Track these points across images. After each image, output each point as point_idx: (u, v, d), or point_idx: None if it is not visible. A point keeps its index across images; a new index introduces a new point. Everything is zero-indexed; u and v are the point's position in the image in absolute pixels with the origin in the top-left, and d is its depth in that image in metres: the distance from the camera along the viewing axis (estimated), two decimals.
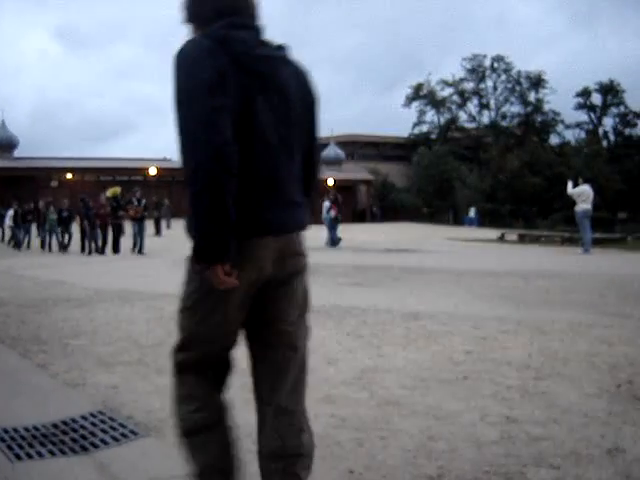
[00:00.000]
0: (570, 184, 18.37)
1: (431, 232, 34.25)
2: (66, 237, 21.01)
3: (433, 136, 62.69)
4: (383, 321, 6.84)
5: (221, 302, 2.24)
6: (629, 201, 52.19)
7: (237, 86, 2.16)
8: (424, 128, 64.10)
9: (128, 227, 19.91)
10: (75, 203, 21.87)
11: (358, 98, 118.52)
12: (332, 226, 21.73)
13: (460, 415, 3.85)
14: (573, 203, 18.53)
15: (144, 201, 19.97)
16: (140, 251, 18.37)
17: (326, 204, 22.30)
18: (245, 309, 2.31)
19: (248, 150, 2.19)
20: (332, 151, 56.61)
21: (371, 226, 43.15)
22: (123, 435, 3.55)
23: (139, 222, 18.91)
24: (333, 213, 21.75)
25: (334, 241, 21.54)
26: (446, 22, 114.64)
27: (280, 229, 2.30)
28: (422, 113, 63.76)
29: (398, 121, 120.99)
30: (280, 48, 2.37)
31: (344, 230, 25.74)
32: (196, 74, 2.11)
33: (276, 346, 2.39)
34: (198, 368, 2.36)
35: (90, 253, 18.95)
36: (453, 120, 63.90)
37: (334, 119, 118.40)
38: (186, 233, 2.19)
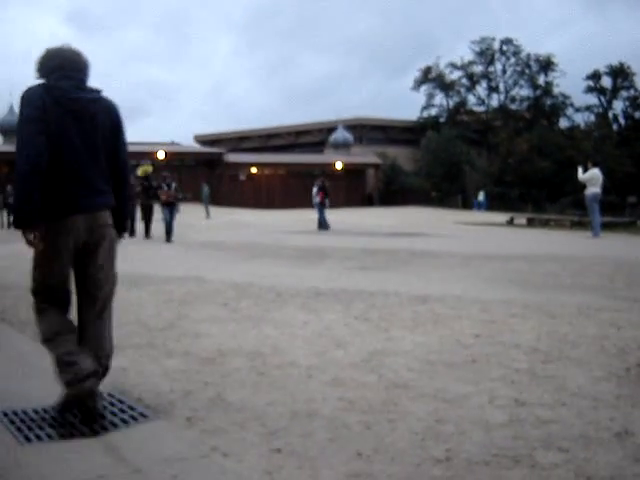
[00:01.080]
0: (580, 170, 18.26)
1: (440, 216, 34.18)
2: None
3: (442, 119, 62.16)
4: (391, 304, 6.84)
5: (53, 259, 3.52)
6: (639, 185, 51.84)
7: (56, 118, 3.44)
8: (433, 111, 63.62)
9: (157, 212, 18.61)
10: None
11: (368, 81, 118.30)
12: (320, 210, 22.71)
13: (468, 398, 3.85)
14: (582, 187, 18.44)
15: (174, 185, 18.33)
16: (169, 239, 16.81)
17: (314, 190, 23.54)
18: (70, 263, 3.57)
19: (64, 158, 3.45)
20: (341, 135, 56.30)
21: (379, 210, 43.07)
22: (132, 417, 3.56)
23: (170, 207, 17.53)
24: (318, 199, 22.85)
25: (322, 224, 22.31)
26: (458, 5, 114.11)
27: (88, 209, 3.51)
28: (431, 96, 63.28)
29: (407, 105, 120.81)
30: (94, 91, 3.66)
31: (352, 214, 25.69)
32: (27, 111, 3.44)
33: (92, 290, 3.64)
34: (49, 304, 3.67)
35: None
36: (462, 103, 63.42)
37: (343, 102, 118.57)
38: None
